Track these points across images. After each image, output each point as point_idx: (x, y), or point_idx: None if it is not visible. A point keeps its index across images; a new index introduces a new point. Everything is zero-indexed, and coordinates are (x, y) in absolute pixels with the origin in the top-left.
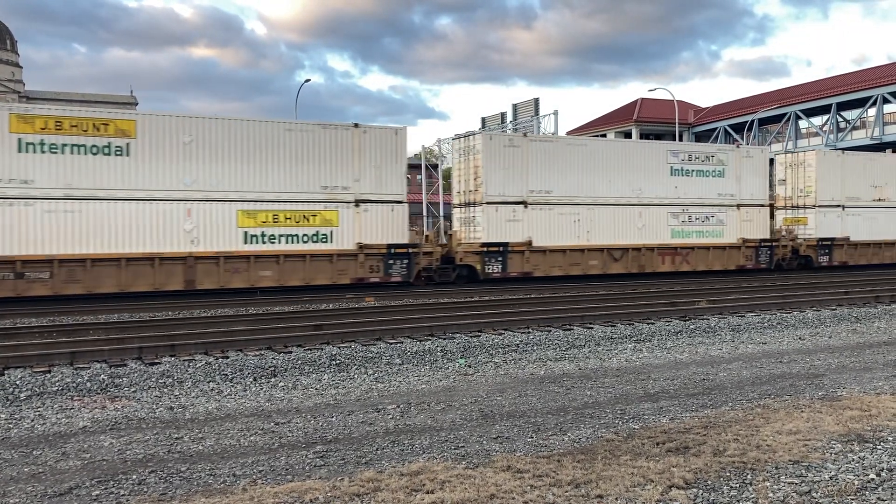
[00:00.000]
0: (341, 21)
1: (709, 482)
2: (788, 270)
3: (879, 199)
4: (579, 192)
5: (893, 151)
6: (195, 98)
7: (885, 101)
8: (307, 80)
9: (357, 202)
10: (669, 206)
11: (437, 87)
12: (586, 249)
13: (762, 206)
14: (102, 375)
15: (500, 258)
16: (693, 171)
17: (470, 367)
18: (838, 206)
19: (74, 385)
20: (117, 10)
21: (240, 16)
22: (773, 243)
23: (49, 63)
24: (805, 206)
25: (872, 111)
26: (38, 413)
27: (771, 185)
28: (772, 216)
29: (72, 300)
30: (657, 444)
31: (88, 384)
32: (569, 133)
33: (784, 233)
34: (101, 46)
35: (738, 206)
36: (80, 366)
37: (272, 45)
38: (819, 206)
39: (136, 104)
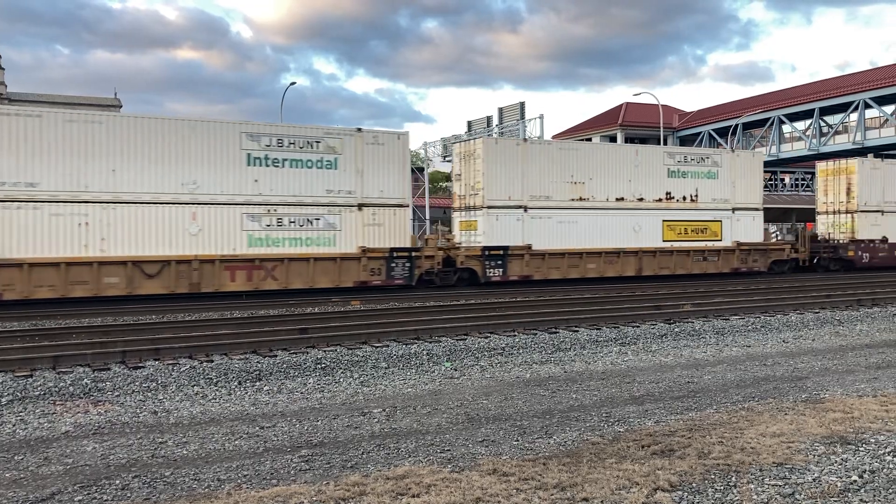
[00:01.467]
0: (327, 24)
1: (693, 485)
2: (445, 287)
3: (581, 199)
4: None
5: (876, 156)
6: (180, 101)
7: (867, 106)
8: (293, 83)
9: (360, 206)
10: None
11: (423, 91)
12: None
13: (400, 206)
14: (85, 380)
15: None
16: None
17: (456, 370)
18: (519, 206)
19: (57, 389)
20: (101, 11)
21: (225, 18)
22: (414, 253)
23: (31, 65)
24: (475, 207)
25: (854, 116)
26: (19, 418)
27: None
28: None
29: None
30: (642, 446)
31: (71, 388)
32: (553, 137)
33: (444, 241)
34: (85, 48)
35: (360, 205)
36: (63, 370)
37: (258, 47)
38: (489, 207)
39: (120, 107)
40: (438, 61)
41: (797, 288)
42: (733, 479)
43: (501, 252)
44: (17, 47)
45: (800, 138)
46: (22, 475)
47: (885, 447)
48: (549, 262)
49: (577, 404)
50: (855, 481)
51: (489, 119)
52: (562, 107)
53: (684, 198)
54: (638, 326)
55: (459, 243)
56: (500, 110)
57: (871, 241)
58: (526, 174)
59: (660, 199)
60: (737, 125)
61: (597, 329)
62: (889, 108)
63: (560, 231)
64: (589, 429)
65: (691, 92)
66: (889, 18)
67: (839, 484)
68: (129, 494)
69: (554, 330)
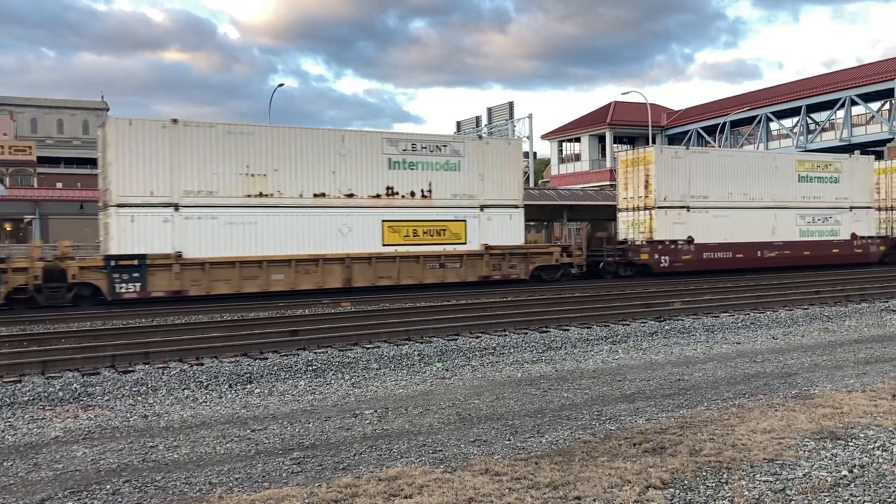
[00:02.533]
0: (314, 25)
1: (685, 482)
2: (55, 307)
3: (262, 195)
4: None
5: (862, 153)
6: (167, 103)
7: (853, 103)
8: (280, 85)
9: (482, 207)
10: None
11: (412, 91)
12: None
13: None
14: (75, 384)
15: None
16: None
17: (447, 370)
18: (166, 204)
19: (46, 394)
20: (87, 13)
21: (212, 20)
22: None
23: (16, 68)
24: (107, 205)
25: (841, 113)
26: (8, 423)
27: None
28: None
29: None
30: (634, 444)
31: (60, 393)
32: (542, 137)
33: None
34: (71, 51)
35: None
36: (52, 375)
37: (245, 49)
38: (120, 206)
39: (108, 110)
40: (427, 61)
41: (786, 284)
42: (725, 475)
43: (137, 262)
44: (2, 50)
45: (787, 136)
46: (11, 481)
47: (875, 442)
48: (212, 274)
49: (568, 403)
50: (845, 476)
51: (478, 119)
52: (551, 106)
53: (413, 194)
54: (628, 324)
55: (73, 252)
56: (489, 110)
57: (673, 241)
58: (177, 164)
59: (378, 196)
60: (724, 123)
61: (587, 328)
62: (875, 105)
63: (230, 235)
64: (580, 427)
65: (680, 90)
66: (875, 15)
67: (829, 479)
68: (119, 499)
69: (545, 329)
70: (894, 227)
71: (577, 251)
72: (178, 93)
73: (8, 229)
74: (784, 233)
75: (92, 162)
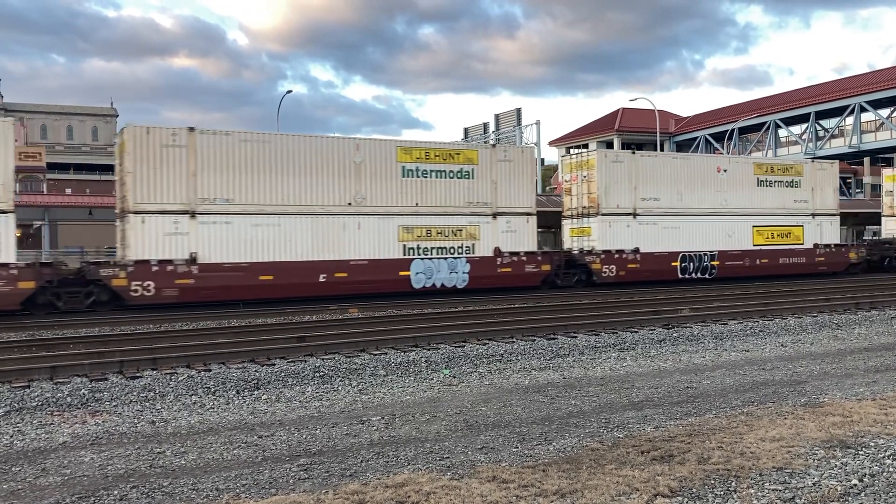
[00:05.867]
0: (323, 31)
1: (693, 490)
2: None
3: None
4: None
5: (872, 160)
6: (176, 109)
7: (863, 109)
8: (289, 91)
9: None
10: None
11: (420, 97)
12: None
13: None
14: (83, 390)
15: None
16: None
17: (454, 377)
18: None
19: (54, 400)
20: (96, 19)
21: (221, 26)
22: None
23: (26, 74)
24: None
25: (850, 120)
26: (17, 429)
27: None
28: None
29: None
30: (642, 452)
31: (69, 399)
32: (550, 144)
33: None
34: (80, 57)
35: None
36: (61, 380)
37: (254, 55)
38: None
39: (117, 116)
40: (435, 67)
41: (796, 292)
42: (733, 484)
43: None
44: (11, 57)
45: (796, 142)
46: (19, 486)
47: (885, 451)
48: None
49: (576, 410)
50: (855, 485)
51: (486, 126)
52: (561, 112)
53: None
54: (636, 332)
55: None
56: (497, 117)
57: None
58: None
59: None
60: (733, 130)
61: (595, 335)
62: (885, 112)
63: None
64: (588, 435)
65: (690, 96)
66: (887, 21)
67: (839, 488)
68: None
69: (552, 336)
70: None
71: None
72: (186, 99)
73: (17, 235)
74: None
75: (101, 168)
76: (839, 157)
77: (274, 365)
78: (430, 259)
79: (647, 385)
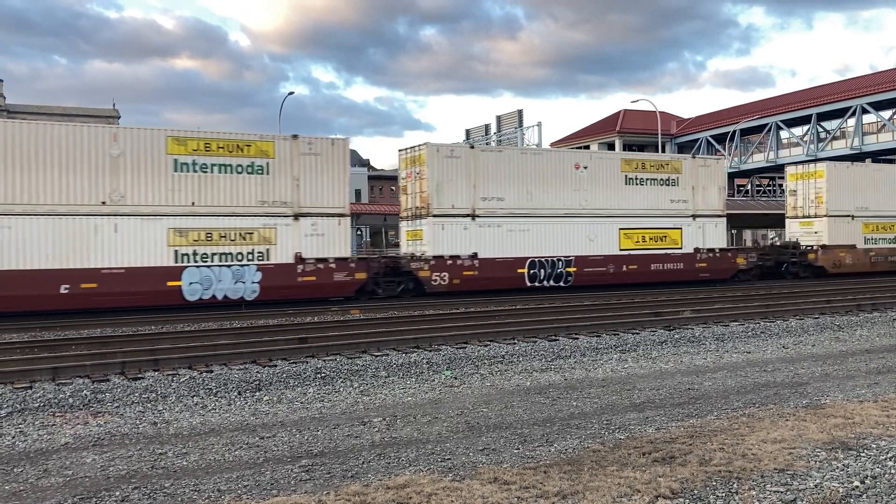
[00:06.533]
0: (324, 32)
1: (695, 491)
2: None
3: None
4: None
5: (873, 161)
6: (178, 110)
7: (864, 111)
8: (291, 93)
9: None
10: None
11: (422, 99)
12: None
13: None
14: (85, 391)
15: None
16: None
17: (456, 378)
18: None
19: (56, 401)
20: (98, 21)
21: (223, 27)
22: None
23: (28, 76)
24: None
25: (852, 121)
26: (19, 430)
27: None
28: None
29: None
30: (643, 454)
31: (71, 400)
32: (552, 145)
33: None
34: (82, 58)
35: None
36: (63, 381)
37: (255, 56)
38: None
39: (119, 117)
40: (437, 69)
41: (797, 293)
42: (735, 485)
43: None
44: (14, 58)
45: (798, 144)
46: (21, 487)
47: (887, 452)
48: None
49: (577, 412)
50: (857, 487)
51: (487, 127)
52: (562, 114)
53: None
54: (638, 333)
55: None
56: (498, 118)
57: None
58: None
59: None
60: (734, 131)
61: (596, 336)
62: (887, 113)
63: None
64: (590, 436)
65: (692, 98)
66: (889, 22)
67: (841, 490)
68: None
69: (554, 337)
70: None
71: None
72: (188, 100)
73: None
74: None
75: None
76: (841, 158)
77: (275, 366)
78: (208, 267)
79: (648, 386)
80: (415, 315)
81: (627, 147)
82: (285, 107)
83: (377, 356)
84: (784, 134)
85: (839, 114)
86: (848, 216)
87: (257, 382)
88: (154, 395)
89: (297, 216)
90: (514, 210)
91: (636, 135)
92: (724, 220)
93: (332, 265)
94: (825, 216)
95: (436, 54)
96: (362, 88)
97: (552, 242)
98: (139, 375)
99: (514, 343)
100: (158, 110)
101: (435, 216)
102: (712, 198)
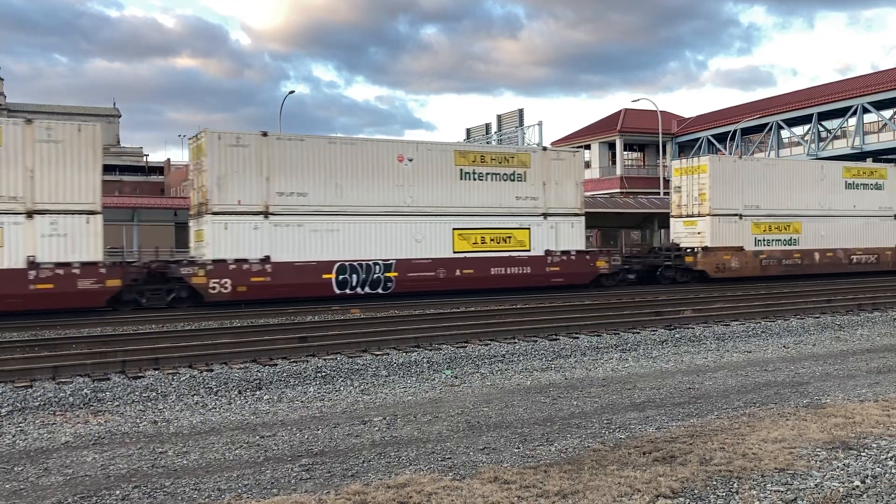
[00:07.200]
0: (325, 31)
1: (695, 491)
2: None
3: None
4: None
5: (875, 161)
6: (179, 109)
7: (865, 110)
8: (291, 92)
9: (29, 213)
10: None
11: (423, 98)
12: None
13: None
14: (85, 390)
15: None
16: None
17: (456, 378)
18: None
19: (57, 400)
20: (99, 20)
21: (224, 26)
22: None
23: (29, 74)
24: None
25: (853, 121)
26: (19, 428)
27: None
28: None
29: None
30: (644, 453)
31: (71, 399)
32: (553, 144)
33: None
34: (83, 57)
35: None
36: (63, 380)
37: (256, 55)
38: None
39: (119, 116)
40: (438, 68)
41: (797, 293)
42: (735, 485)
43: None
44: (14, 57)
45: (798, 143)
46: (22, 486)
47: (888, 452)
48: None
49: (578, 411)
50: (857, 486)
51: (488, 126)
52: (564, 113)
53: None
54: (638, 333)
55: None
56: (499, 117)
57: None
58: None
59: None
60: (735, 130)
61: (597, 336)
62: (888, 113)
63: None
64: (590, 436)
65: (693, 97)
66: (891, 21)
67: (841, 489)
68: None
69: (554, 337)
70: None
71: None
72: (189, 99)
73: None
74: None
75: (106, 169)
76: (842, 158)
77: (276, 365)
78: None
79: (649, 386)
80: (415, 314)
81: (628, 146)
82: (286, 106)
83: (378, 355)
84: (785, 133)
85: (840, 113)
86: (735, 215)
87: (258, 381)
88: (154, 394)
89: (30, 213)
90: (320, 207)
91: (637, 134)
92: (583, 219)
93: (76, 271)
94: (708, 215)
95: (437, 53)
96: (363, 87)
97: (368, 244)
98: (140, 374)
99: (515, 342)
100: (160, 109)
101: (215, 213)
102: (568, 195)
